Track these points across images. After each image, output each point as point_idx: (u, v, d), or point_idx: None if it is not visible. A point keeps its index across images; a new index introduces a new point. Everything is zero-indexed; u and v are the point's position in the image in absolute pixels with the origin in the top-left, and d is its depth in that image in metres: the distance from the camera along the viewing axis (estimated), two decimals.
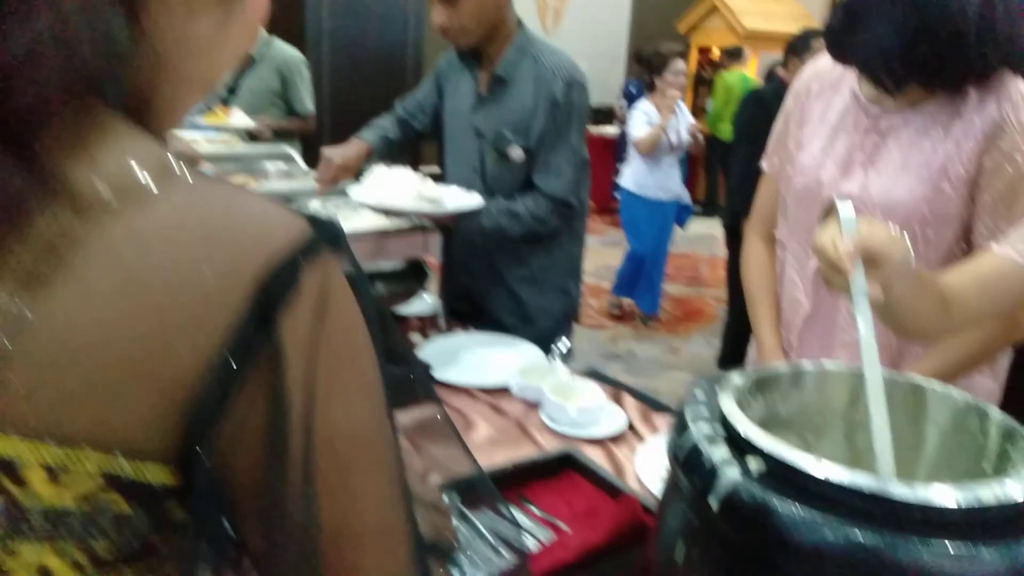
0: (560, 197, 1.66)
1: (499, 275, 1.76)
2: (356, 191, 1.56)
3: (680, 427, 0.65)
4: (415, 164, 1.66)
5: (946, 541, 0.50)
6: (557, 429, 1.29)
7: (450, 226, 1.63)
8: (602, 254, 5.39)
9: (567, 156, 1.66)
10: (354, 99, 5.07)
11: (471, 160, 1.74)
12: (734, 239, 3.35)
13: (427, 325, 1.74)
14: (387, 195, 1.50)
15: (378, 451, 0.41)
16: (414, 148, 1.92)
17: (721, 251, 3.42)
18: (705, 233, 6.19)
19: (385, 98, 1.97)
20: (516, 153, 1.66)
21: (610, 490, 1.05)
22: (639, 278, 4.38)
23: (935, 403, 0.70)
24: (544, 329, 1.73)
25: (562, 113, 1.63)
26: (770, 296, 1.30)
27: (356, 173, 1.76)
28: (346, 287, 0.41)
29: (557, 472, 1.11)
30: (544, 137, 1.64)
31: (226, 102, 3.27)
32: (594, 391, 1.36)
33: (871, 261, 0.71)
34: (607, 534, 0.91)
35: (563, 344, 1.49)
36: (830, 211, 0.74)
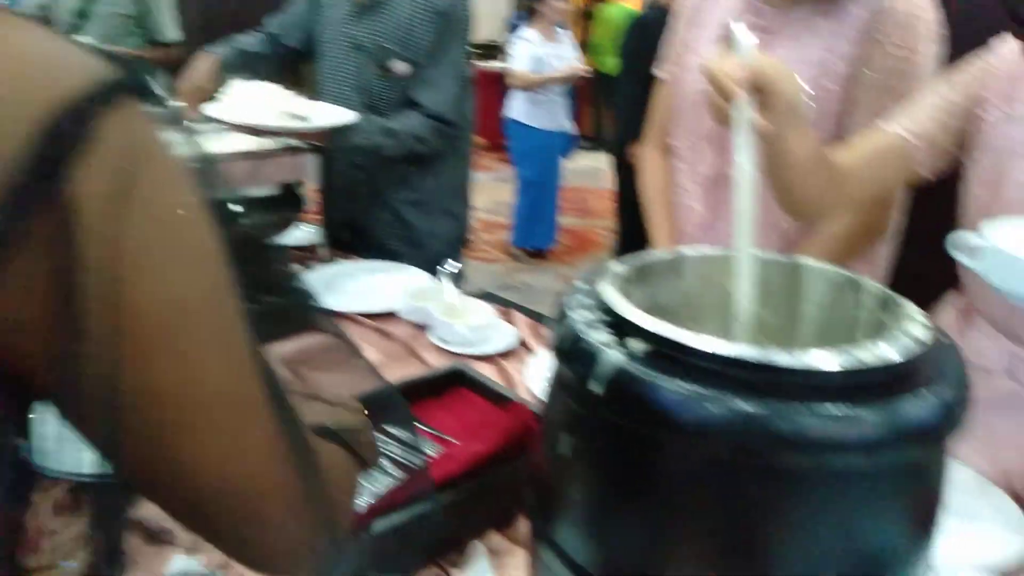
0: (441, 114, 1.58)
1: (383, 199, 1.68)
2: (213, 108, 1.41)
3: (560, 317, 0.61)
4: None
5: (828, 404, 0.49)
6: (448, 348, 1.25)
7: (326, 147, 1.53)
8: (496, 189, 5.34)
9: (449, 71, 1.58)
10: (229, 24, 4.70)
11: (349, 76, 1.62)
12: (623, 169, 3.36)
13: (307, 256, 1.65)
14: (249, 112, 1.37)
15: (215, 320, 0.38)
16: (293, 72, 1.77)
17: (608, 183, 3.47)
18: (592, 167, 6.24)
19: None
20: (400, 67, 1.56)
21: (500, 402, 1.02)
22: (537, 214, 4.37)
23: (811, 279, 0.69)
24: (433, 254, 1.67)
25: (446, 24, 1.54)
26: (667, 205, 1.28)
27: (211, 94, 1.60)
28: (163, 144, 0.36)
29: (447, 389, 1.07)
30: (426, 50, 1.55)
31: (76, 29, 2.97)
32: (484, 309, 1.33)
33: (761, 93, 0.69)
34: (496, 443, 0.88)
35: (451, 265, 1.44)
36: (728, 41, 0.71)
